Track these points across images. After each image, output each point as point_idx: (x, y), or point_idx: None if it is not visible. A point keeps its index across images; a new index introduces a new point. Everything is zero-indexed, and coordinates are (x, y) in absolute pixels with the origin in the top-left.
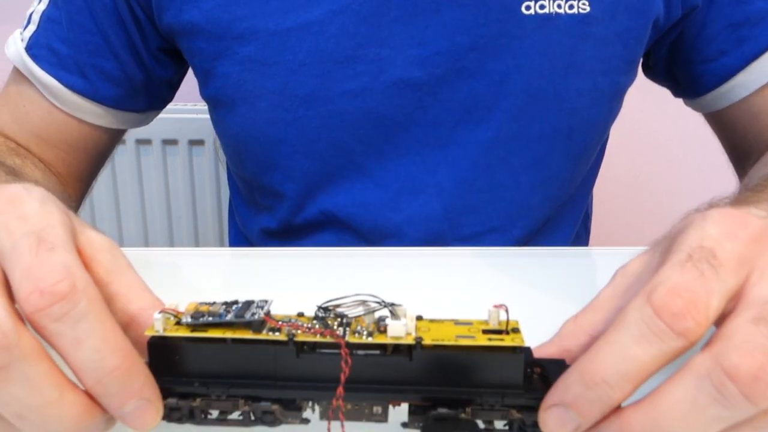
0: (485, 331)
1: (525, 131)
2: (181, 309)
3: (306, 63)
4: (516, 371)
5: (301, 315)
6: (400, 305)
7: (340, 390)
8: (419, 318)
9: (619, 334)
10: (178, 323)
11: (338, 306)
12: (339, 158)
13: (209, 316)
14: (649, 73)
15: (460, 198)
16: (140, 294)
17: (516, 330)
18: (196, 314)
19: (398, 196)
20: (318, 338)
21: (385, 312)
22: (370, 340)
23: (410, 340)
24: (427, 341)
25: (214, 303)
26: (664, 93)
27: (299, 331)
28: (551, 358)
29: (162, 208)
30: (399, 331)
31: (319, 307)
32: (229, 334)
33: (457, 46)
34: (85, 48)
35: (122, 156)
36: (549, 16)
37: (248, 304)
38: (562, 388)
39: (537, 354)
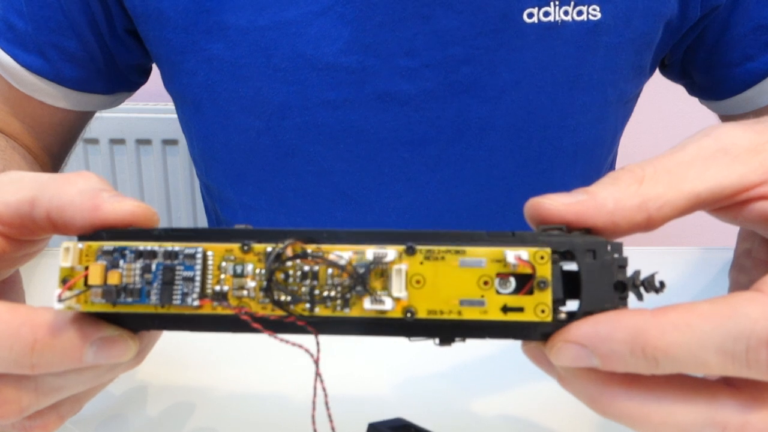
0: (501, 278)
1: (523, 151)
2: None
3: (281, 68)
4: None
5: (246, 250)
6: (384, 253)
7: (316, 380)
8: (410, 251)
9: (705, 324)
10: (88, 288)
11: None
12: (315, 175)
13: (126, 294)
14: (664, 71)
15: (452, 221)
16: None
17: (544, 284)
18: (108, 289)
19: (381, 217)
20: (273, 313)
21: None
22: (345, 312)
23: (398, 313)
24: (421, 312)
25: (117, 255)
26: (670, 97)
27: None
28: (589, 238)
29: (162, 208)
30: (380, 306)
31: (269, 264)
32: (162, 310)
33: (450, 57)
34: (45, 24)
35: (122, 156)
36: (554, 25)
37: (171, 270)
38: (604, 336)
39: (577, 215)
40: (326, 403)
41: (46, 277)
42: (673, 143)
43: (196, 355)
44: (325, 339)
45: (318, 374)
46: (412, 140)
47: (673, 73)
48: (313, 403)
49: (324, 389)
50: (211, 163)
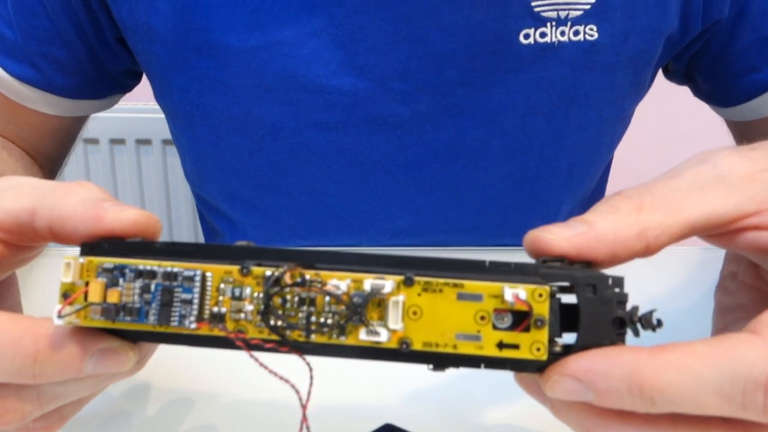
0: (498, 313)
1: (519, 172)
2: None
3: (273, 88)
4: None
5: (245, 273)
6: (381, 284)
7: (304, 418)
8: (408, 282)
9: (702, 365)
10: (88, 305)
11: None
12: (309, 196)
13: (125, 313)
14: (668, 74)
15: (448, 244)
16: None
17: (541, 323)
18: (107, 307)
19: (376, 238)
20: (269, 338)
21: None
22: (341, 340)
23: (393, 344)
24: (417, 344)
25: (117, 273)
26: (665, 97)
27: (246, 336)
28: (589, 273)
29: (162, 208)
30: (375, 336)
31: (267, 289)
32: (159, 329)
33: (445, 80)
34: (34, 34)
35: (122, 156)
36: (550, 46)
37: (169, 292)
38: (601, 372)
39: (578, 249)
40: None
41: (43, 278)
42: (665, 142)
43: (196, 356)
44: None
45: (304, 414)
46: (406, 163)
47: (678, 77)
48: None
49: (308, 429)
50: (204, 178)
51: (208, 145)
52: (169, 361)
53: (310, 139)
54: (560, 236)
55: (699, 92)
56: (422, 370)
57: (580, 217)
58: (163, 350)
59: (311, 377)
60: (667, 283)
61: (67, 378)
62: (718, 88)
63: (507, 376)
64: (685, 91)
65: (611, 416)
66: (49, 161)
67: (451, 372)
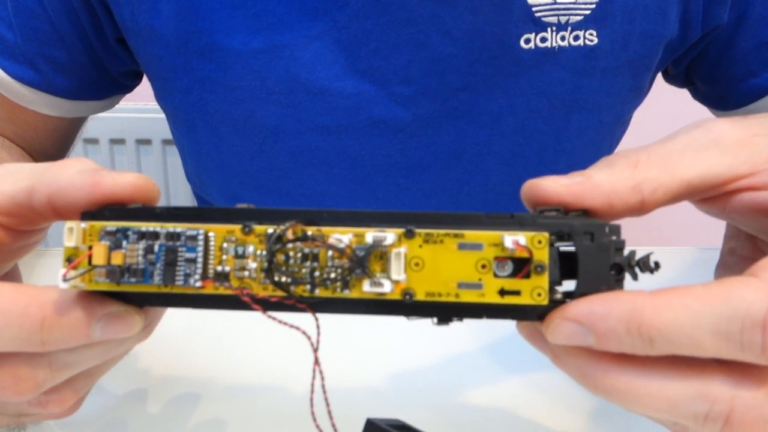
0: (499, 262)
1: (519, 175)
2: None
3: (274, 91)
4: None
5: (247, 232)
6: (383, 237)
7: (316, 362)
8: (409, 235)
9: (701, 305)
10: (92, 268)
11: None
12: (310, 199)
13: (130, 275)
14: (668, 78)
15: None
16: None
17: (541, 268)
18: (112, 269)
19: None
20: (274, 294)
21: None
22: (345, 293)
23: (397, 295)
24: (420, 295)
25: (120, 235)
26: (669, 101)
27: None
28: (587, 221)
29: None
30: (379, 288)
31: (270, 245)
32: (165, 289)
33: (446, 84)
34: (34, 36)
35: (122, 156)
36: (550, 51)
37: (173, 251)
38: (600, 314)
39: (574, 196)
40: (325, 399)
41: (44, 279)
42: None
43: (197, 352)
44: (323, 331)
45: (316, 358)
46: (407, 166)
47: (678, 81)
48: (312, 386)
49: (321, 373)
50: (205, 180)
51: (209, 147)
52: (169, 357)
53: (311, 142)
54: (557, 183)
55: (698, 95)
56: (429, 369)
57: (578, 171)
58: (163, 348)
59: (318, 326)
60: (667, 282)
61: (76, 344)
62: (717, 92)
63: (507, 374)
64: (683, 92)
65: (611, 360)
66: (48, 161)
67: (454, 371)
